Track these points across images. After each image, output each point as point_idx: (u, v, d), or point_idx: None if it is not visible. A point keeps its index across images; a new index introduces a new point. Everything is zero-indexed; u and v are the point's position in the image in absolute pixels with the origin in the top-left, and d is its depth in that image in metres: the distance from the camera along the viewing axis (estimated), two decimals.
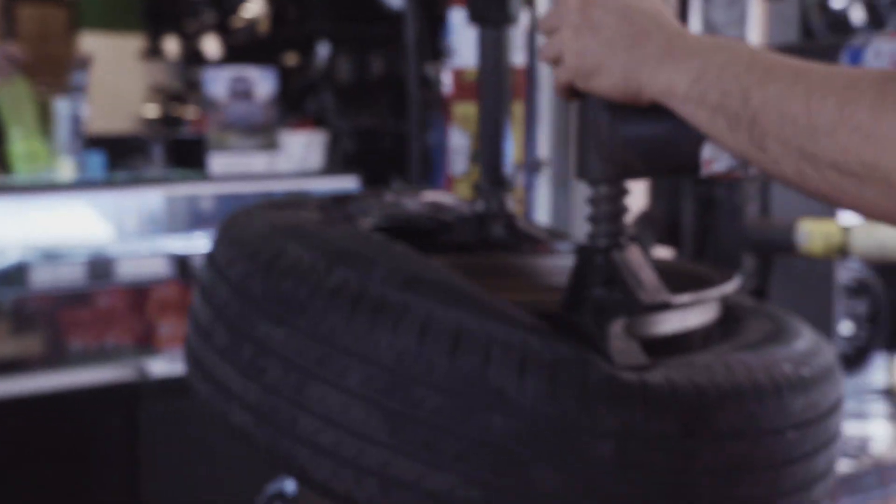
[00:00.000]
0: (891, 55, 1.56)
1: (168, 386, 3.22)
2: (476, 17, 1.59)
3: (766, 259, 2.04)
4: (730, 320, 1.26)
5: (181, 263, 3.34)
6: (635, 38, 0.94)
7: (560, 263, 1.51)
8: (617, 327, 0.99)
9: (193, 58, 6.91)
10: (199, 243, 3.48)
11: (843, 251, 1.87)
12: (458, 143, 2.18)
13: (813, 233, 1.88)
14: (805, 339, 1.16)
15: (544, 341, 0.95)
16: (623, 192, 1.01)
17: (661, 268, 1.39)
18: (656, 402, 0.93)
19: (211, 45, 6.74)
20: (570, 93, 1.01)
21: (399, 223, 1.52)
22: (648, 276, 1.00)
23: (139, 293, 3.46)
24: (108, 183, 3.28)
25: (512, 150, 1.64)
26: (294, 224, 1.15)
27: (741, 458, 0.96)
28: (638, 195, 2.16)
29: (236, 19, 6.46)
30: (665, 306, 0.99)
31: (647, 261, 1.02)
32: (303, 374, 1.01)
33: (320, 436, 1.00)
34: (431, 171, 3.97)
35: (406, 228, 1.50)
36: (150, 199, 3.46)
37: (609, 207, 1.00)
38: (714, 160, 0.96)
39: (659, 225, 2.01)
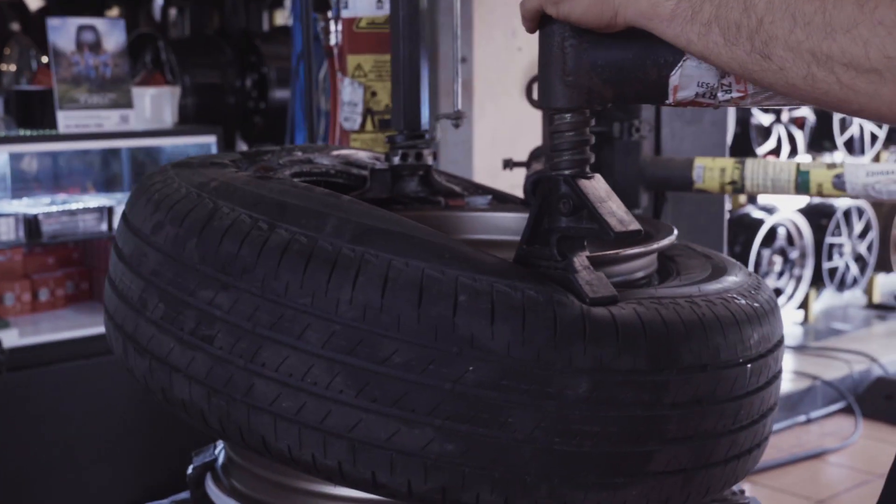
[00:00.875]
0: None
1: (21, 356, 3.05)
2: None
3: (658, 196, 2.08)
4: (668, 260, 1.28)
5: (29, 227, 3.15)
6: None
7: (476, 216, 1.51)
8: (582, 259, 0.98)
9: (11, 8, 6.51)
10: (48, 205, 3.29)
11: (736, 187, 1.93)
12: (353, 96, 2.12)
13: (708, 169, 1.93)
14: (745, 274, 1.19)
15: (512, 284, 0.93)
16: (588, 120, 1.00)
17: None
18: (628, 337, 0.93)
19: None
20: (537, 22, 0.99)
21: (314, 179, 1.48)
22: (617, 205, 0.99)
23: None
24: None
25: (427, 101, 1.61)
26: (221, 182, 1.09)
27: (707, 391, 0.97)
28: (533, 134, 2.17)
29: None
30: (637, 234, 0.98)
31: (611, 191, 1.01)
32: (257, 339, 0.96)
33: (282, 402, 0.95)
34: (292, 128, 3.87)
35: (321, 184, 1.45)
36: None
37: (574, 136, 0.99)
38: (682, 87, 0.96)
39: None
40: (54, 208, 3.24)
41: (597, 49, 0.96)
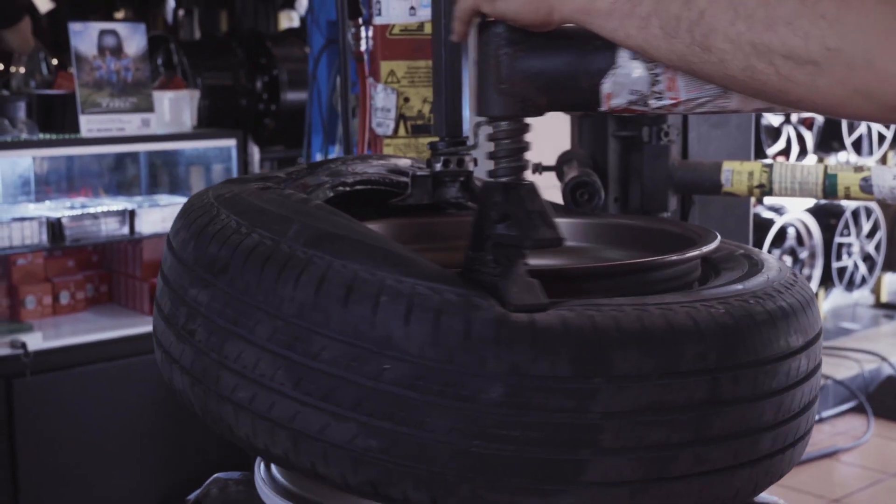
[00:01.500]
0: None
1: (45, 359, 3.08)
2: None
3: (684, 199, 2.11)
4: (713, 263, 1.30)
5: (52, 230, 3.17)
6: None
7: None
8: (520, 266, 0.98)
9: None
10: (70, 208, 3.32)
11: (764, 190, 1.96)
12: (386, 102, 2.15)
13: (737, 172, 1.96)
14: (777, 274, 1.19)
15: (433, 287, 0.95)
16: (524, 128, 1.03)
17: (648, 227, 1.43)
18: (546, 343, 0.92)
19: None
20: (468, 25, 1.00)
21: (357, 187, 1.50)
22: (543, 213, 1.00)
23: (8, 264, 3.28)
24: None
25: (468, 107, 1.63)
26: (234, 193, 1.15)
27: (651, 402, 0.93)
28: (562, 138, 2.20)
29: None
30: (556, 242, 0.99)
31: (543, 199, 1.02)
32: (223, 333, 1.02)
33: (239, 392, 1.00)
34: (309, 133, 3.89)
35: (364, 193, 1.48)
36: (17, 163, 3.27)
37: (510, 143, 1.02)
38: (614, 95, 0.99)
39: (582, 166, 2.05)
40: (76, 211, 3.26)
41: (529, 58, 0.99)
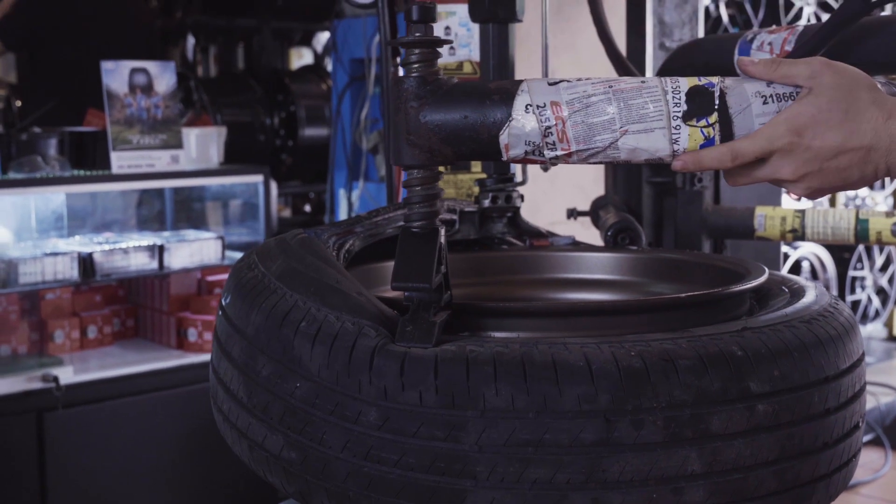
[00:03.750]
0: (771, 45, 1.71)
1: (75, 393, 3.12)
2: (483, 17, 1.62)
3: (717, 242, 2.15)
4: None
5: (84, 265, 3.22)
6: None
7: (559, 256, 1.57)
8: (425, 306, 1.04)
9: None
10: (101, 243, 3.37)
11: (796, 234, 2.00)
12: None
13: (769, 217, 2.01)
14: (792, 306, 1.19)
15: (339, 316, 1.03)
16: (435, 176, 1.10)
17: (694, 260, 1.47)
18: (414, 374, 0.98)
19: None
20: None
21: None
22: (417, 258, 1.06)
23: (37, 298, 3.32)
24: (3, 182, 3.13)
25: None
26: (271, 241, 1.27)
27: (531, 436, 0.95)
28: (597, 183, 2.24)
29: None
30: (420, 290, 1.05)
31: (438, 245, 1.08)
32: (218, 353, 1.16)
33: (224, 404, 1.14)
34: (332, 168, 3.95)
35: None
36: (50, 199, 3.32)
37: (422, 190, 1.09)
38: (512, 146, 1.05)
39: (617, 211, 2.10)
40: (107, 247, 3.31)
41: (433, 111, 1.06)
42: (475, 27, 1.65)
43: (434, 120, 1.06)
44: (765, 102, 1.02)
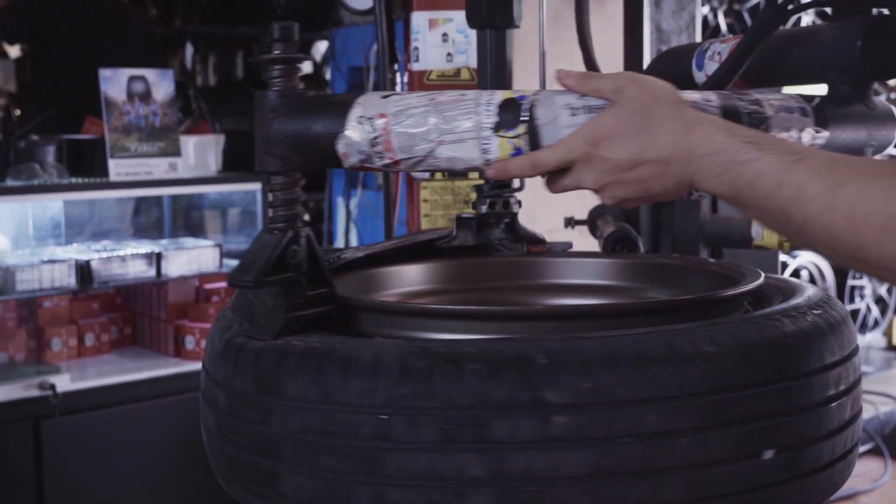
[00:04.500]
0: (720, 54, 1.73)
1: (73, 401, 3.11)
2: (480, 23, 1.62)
3: (714, 251, 2.15)
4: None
5: (82, 272, 3.21)
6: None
7: (558, 262, 1.57)
8: (279, 303, 1.13)
9: None
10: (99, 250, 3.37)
11: (793, 243, 2.00)
12: None
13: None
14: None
15: (237, 318, 1.18)
16: (294, 182, 1.17)
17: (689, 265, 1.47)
18: (242, 363, 1.08)
19: None
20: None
21: (408, 241, 1.56)
22: (255, 257, 1.14)
23: (35, 305, 3.31)
24: (1, 189, 3.13)
25: None
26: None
27: (321, 428, 1.00)
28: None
29: None
30: (249, 286, 1.14)
31: (283, 245, 1.15)
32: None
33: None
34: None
35: (417, 242, 1.55)
36: (48, 206, 3.32)
37: (283, 195, 1.16)
38: (348, 154, 1.14)
39: (614, 220, 2.09)
40: (104, 254, 3.31)
41: (284, 122, 1.13)
42: (473, 33, 1.65)
43: (284, 130, 1.13)
44: (573, 114, 1.07)
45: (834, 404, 1.10)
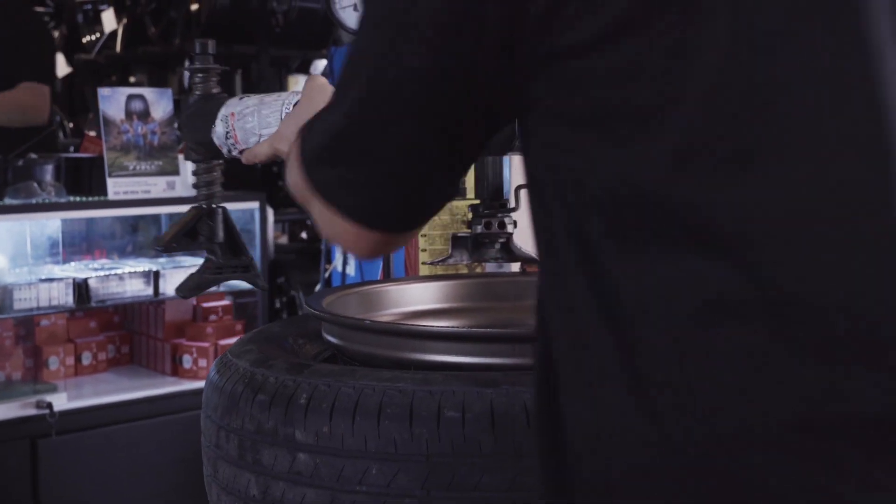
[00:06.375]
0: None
1: (70, 420, 3.10)
2: None
3: None
4: None
5: (79, 291, 3.21)
6: None
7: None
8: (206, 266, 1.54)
9: None
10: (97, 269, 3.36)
11: None
12: None
13: None
14: None
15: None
16: (211, 168, 1.49)
17: None
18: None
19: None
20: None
21: None
22: (174, 227, 1.51)
23: (32, 324, 3.31)
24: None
25: (509, 170, 1.69)
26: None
27: None
28: None
29: (86, 38, 6.23)
30: (159, 249, 1.56)
31: (197, 218, 1.50)
32: None
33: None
34: None
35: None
36: (45, 225, 3.32)
37: (202, 179, 1.50)
38: (220, 146, 1.39)
39: None
40: (102, 273, 3.30)
41: (189, 121, 1.46)
42: None
43: (189, 126, 1.46)
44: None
45: None
